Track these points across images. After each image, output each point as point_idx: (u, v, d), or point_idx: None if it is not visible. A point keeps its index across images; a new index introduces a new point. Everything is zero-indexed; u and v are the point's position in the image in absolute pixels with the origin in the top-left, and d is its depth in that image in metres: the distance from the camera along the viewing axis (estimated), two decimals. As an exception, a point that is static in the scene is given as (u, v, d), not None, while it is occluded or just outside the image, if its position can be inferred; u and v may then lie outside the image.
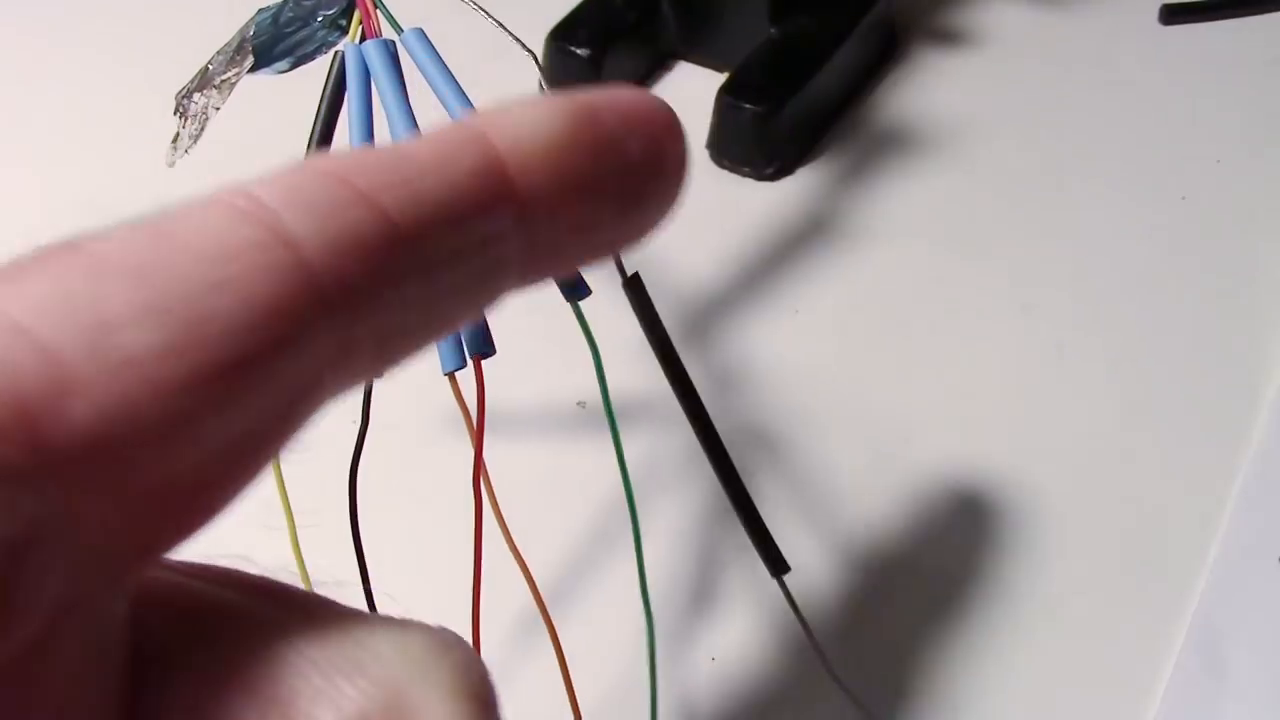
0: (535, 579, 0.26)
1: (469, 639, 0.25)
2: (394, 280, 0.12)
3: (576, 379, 0.37)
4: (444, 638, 0.12)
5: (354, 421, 0.26)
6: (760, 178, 0.45)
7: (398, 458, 0.35)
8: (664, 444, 0.37)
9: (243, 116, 0.30)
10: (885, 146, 0.47)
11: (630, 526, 0.32)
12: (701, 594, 0.34)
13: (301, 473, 0.27)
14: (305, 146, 0.25)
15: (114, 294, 0.11)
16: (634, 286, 0.24)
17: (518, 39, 0.24)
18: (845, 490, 0.36)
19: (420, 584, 0.32)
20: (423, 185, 0.13)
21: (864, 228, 0.44)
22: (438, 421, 0.37)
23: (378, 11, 0.24)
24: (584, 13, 0.48)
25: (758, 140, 0.45)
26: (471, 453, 0.24)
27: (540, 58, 0.48)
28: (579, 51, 0.47)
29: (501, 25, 0.24)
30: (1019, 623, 0.33)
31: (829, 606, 0.34)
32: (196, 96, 0.27)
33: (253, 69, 0.27)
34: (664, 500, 0.36)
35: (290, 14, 0.26)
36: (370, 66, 0.23)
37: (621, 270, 0.23)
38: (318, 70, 0.26)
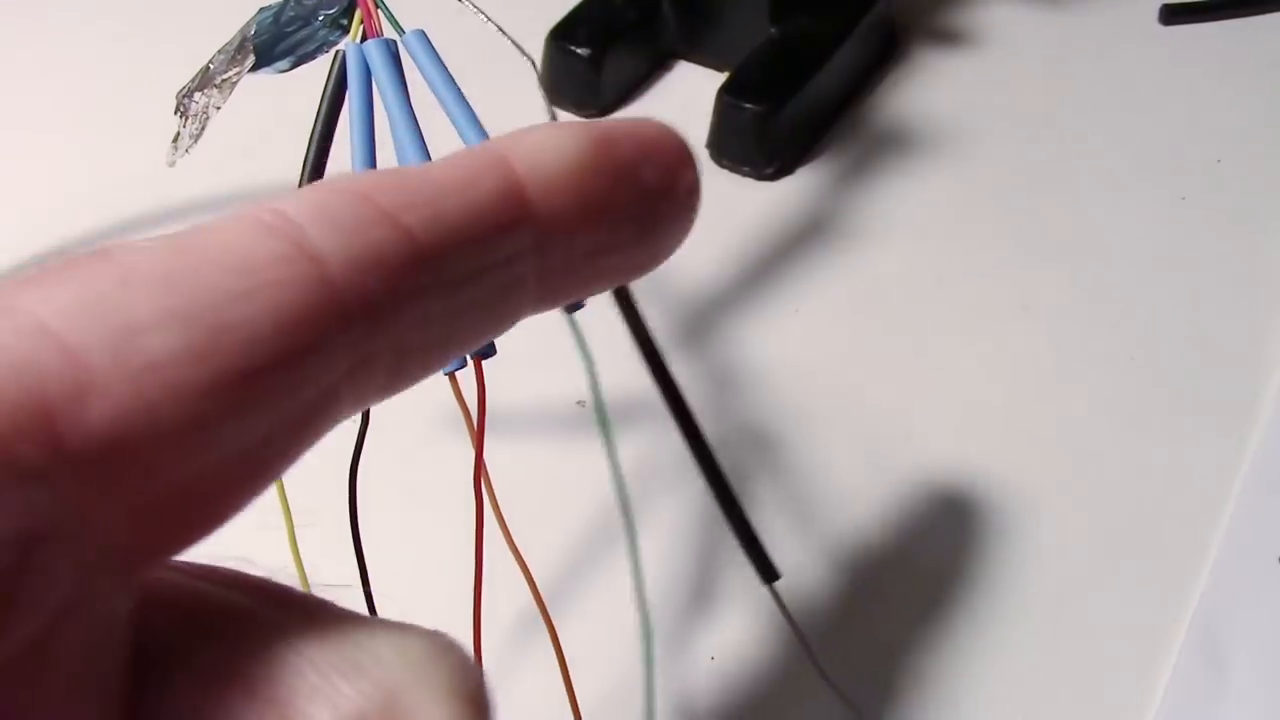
0: (535, 579, 0.26)
1: (470, 639, 0.25)
2: (414, 297, 0.13)
3: (576, 378, 0.37)
4: (441, 641, 0.12)
5: (354, 421, 0.26)
6: (760, 177, 0.45)
7: (398, 457, 0.35)
8: (665, 443, 0.37)
9: (244, 116, 0.30)
10: (885, 146, 0.47)
11: (635, 525, 0.32)
12: (701, 593, 0.34)
13: (301, 472, 0.27)
14: (306, 146, 0.25)
15: (139, 300, 0.11)
16: (622, 296, 0.24)
17: (516, 44, 0.24)
18: (843, 489, 0.36)
19: (420, 584, 0.32)
20: (445, 205, 0.13)
21: (864, 227, 0.44)
22: (438, 421, 0.37)
23: (379, 11, 0.24)
24: (584, 12, 0.48)
25: (758, 140, 0.45)
26: (471, 453, 0.24)
27: (540, 58, 0.48)
28: (579, 51, 0.47)
29: (501, 30, 0.24)
30: (1018, 622, 0.33)
31: (827, 606, 0.34)
32: (197, 96, 0.27)
33: (254, 68, 0.27)
34: (665, 499, 0.36)
35: (291, 13, 0.26)
36: (371, 66, 0.23)
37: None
38: (319, 70, 0.26)
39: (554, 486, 0.36)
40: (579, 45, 0.47)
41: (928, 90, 0.49)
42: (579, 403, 0.38)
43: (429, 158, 0.22)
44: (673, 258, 0.43)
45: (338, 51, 0.24)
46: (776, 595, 0.26)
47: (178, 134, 0.27)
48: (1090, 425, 0.38)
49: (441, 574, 0.27)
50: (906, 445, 0.37)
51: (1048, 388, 0.39)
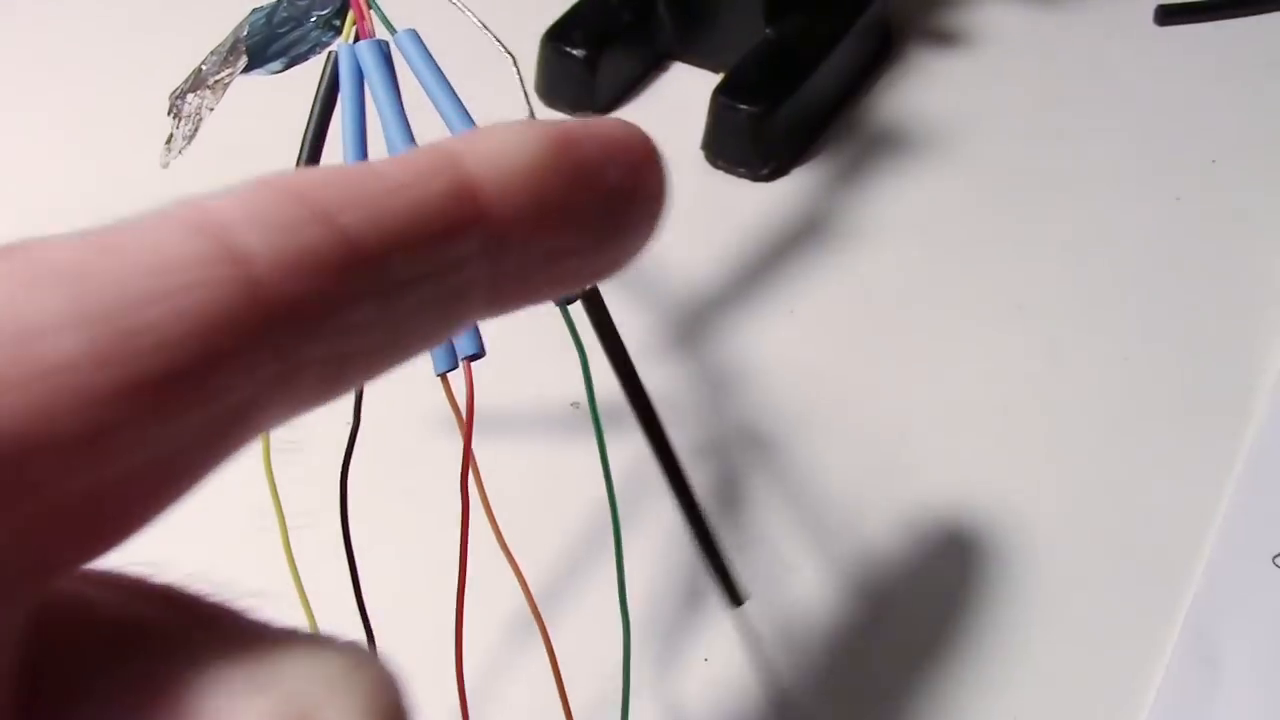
0: (527, 579, 0.26)
1: (453, 639, 0.25)
2: (348, 302, 0.12)
3: (570, 380, 0.37)
4: (358, 656, 0.12)
5: (346, 422, 0.26)
6: (755, 178, 0.45)
7: (390, 458, 0.35)
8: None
9: (236, 117, 0.30)
10: (880, 147, 0.47)
11: (629, 525, 0.32)
12: (696, 594, 0.34)
13: (294, 473, 0.27)
14: (299, 147, 0.25)
15: (44, 300, 0.10)
16: (592, 301, 0.24)
17: (499, 41, 0.24)
18: (839, 489, 0.36)
19: (412, 584, 0.32)
20: (386, 205, 0.12)
21: (859, 228, 0.44)
22: (430, 422, 0.37)
23: (371, 12, 0.24)
24: (579, 13, 0.48)
25: (753, 141, 0.45)
26: (465, 454, 0.24)
27: (535, 59, 0.48)
28: (574, 52, 0.47)
29: (485, 27, 0.24)
30: (1012, 621, 0.33)
31: (824, 605, 0.34)
32: (190, 97, 0.27)
33: (246, 69, 0.27)
34: (660, 500, 0.36)
35: (284, 14, 0.26)
36: (363, 67, 0.23)
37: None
38: (312, 71, 0.26)
39: (548, 488, 0.36)
40: (574, 47, 0.47)
41: (923, 91, 0.49)
42: (573, 405, 0.38)
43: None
44: (667, 258, 0.44)
45: (330, 52, 0.24)
46: (741, 621, 0.26)
47: (171, 135, 0.27)
48: (1084, 425, 0.38)
49: (433, 574, 0.27)
50: (901, 444, 0.37)
51: (1042, 387, 0.39)
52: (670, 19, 0.49)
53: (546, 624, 0.26)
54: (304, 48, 0.27)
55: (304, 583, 0.26)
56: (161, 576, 0.12)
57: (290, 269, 0.11)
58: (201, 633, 0.11)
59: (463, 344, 0.23)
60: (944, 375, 0.39)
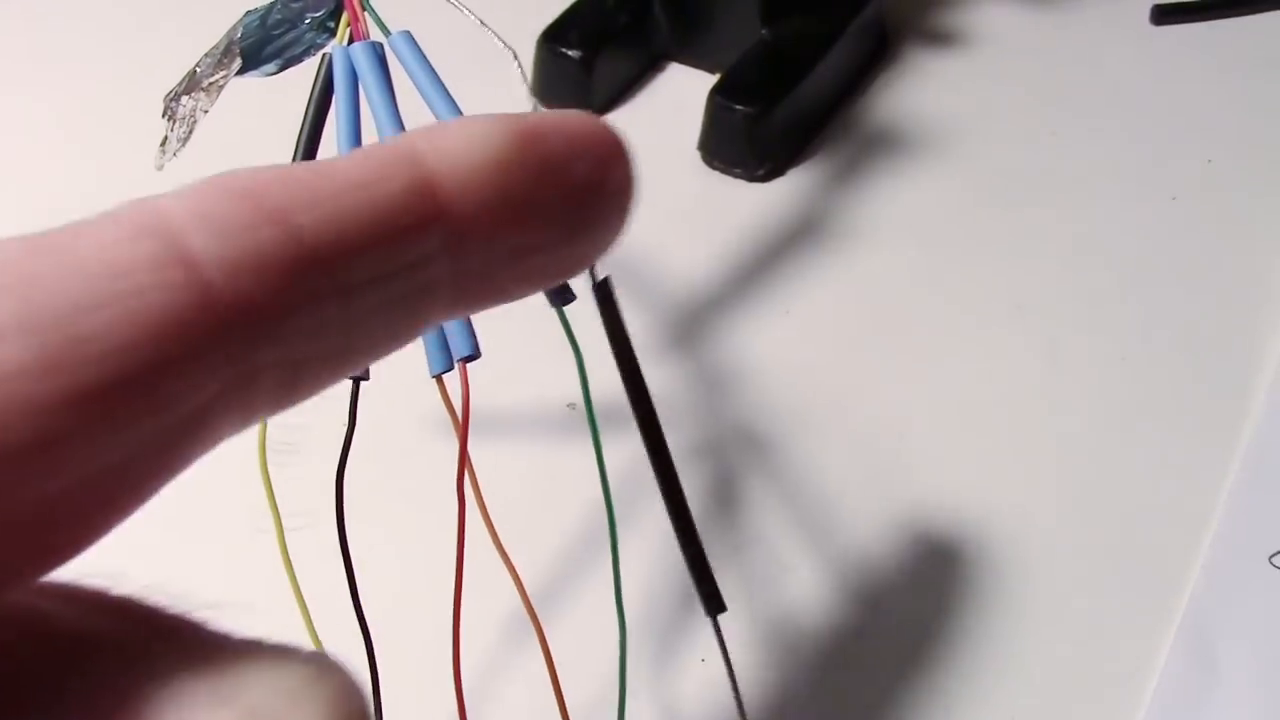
0: (523, 580, 0.26)
1: (450, 640, 0.25)
2: (305, 305, 0.12)
3: (567, 381, 0.37)
4: (320, 666, 0.11)
5: (342, 423, 0.26)
6: (751, 179, 0.45)
7: (386, 460, 0.35)
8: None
9: (231, 119, 0.30)
10: (876, 147, 0.47)
11: (625, 526, 0.32)
12: (692, 595, 0.34)
13: (290, 474, 0.27)
14: (293, 149, 0.25)
15: None
16: (603, 292, 0.23)
17: (498, 35, 0.24)
18: (836, 489, 0.36)
19: (409, 585, 0.32)
20: (342, 204, 0.12)
21: (855, 228, 0.44)
22: (427, 424, 0.37)
23: (365, 14, 0.24)
24: (576, 14, 0.48)
25: (749, 141, 0.45)
26: (460, 455, 0.24)
27: (526, 57, 0.48)
28: (571, 53, 0.47)
29: (483, 23, 0.24)
30: (1009, 619, 0.33)
31: (821, 606, 0.34)
32: (184, 99, 0.27)
33: (240, 71, 0.27)
34: (657, 501, 0.36)
35: (278, 16, 0.26)
36: (358, 69, 0.23)
37: (593, 274, 0.23)
38: (306, 73, 0.26)
39: (544, 488, 0.36)
40: (570, 47, 0.47)
41: (919, 91, 0.49)
42: (569, 406, 0.38)
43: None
44: (663, 258, 0.44)
45: (324, 54, 0.24)
46: (718, 629, 0.26)
47: (165, 137, 0.27)
48: (1081, 424, 0.38)
49: (430, 575, 0.27)
50: (899, 444, 0.37)
51: (1039, 387, 0.39)
52: (666, 20, 0.49)
53: (543, 624, 0.26)
54: (298, 50, 0.27)
55: (301, 584, 0.26)
56: (120, 588, 0.12)
57: (242, 271, 0.11)
58: (161, 645, 0.11)
59: (458, 345, 0.23)
60: (941, 375, 0.39)
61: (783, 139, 0.46)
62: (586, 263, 0.15)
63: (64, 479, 0.10)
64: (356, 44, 0.24)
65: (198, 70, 0.27)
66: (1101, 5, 0.52)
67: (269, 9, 0.26)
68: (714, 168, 0.46)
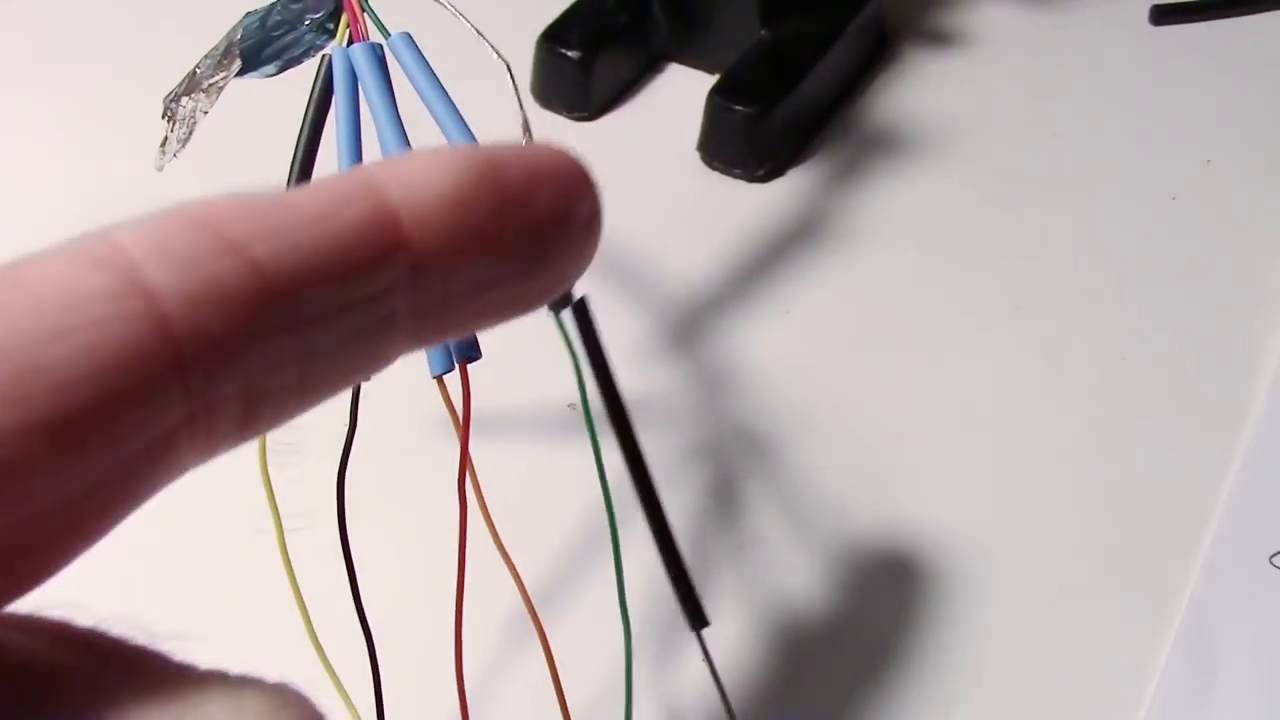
0: (526, 581, 0.26)
1: (452, 640, 0.25)
2: (263, 337, 0.11)
3: (568, 381, 0.37)
4: (281, 696, 0.11)
5: (343, 424, 0.26)
6: (751, 179, 0.45)
7: (387, 460, 0.35)
8: (659, 443, 0.37)
9: (231, 120, 0.30)
10: (876, 148, 0.47)
11: (625, 527, 0.32)
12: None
13: (290, 475, 0.27)
14: (293, 150, 0.25)
15: None
16: (580, 312, 0.23)
17: (494, 47, 0.24)
18: (838, 489, 0.36)
19: (410, 586, 0.32)
20: (301, 236, 0.12)
21: (855, 229, 0.44)
22: (428, 424, 0.37)
23: (365, 15, 0.24)
24: (575, 15, 0.48)
25: (749, 142, 0.45)
26: (460, 455, 0.24)
27: (525, 58, 0.48)
28: (570, 54, 0.47)
29: (480, 34, 0.24)
30: (1009, 620, 0.33)
31: (820, 606, 0.34)
32: (184, 100, 0.27)
33: (240, 73, 0.27)
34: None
35: (278, 17, 0.26)
36: (357, 71, 0.23)
37: (569, 293, 0.23)
38: (306, 74, 0.26)
39: (545, 488, 0.36)
40: (569, 48, 0.47)
41: (918, 91, 0.49)
42: (570, 406, 0.38)
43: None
44: (663, 259, 0.44)
45: (324, 56, 0.24)
46: (703, 643, 0.25)
47: (165, 138, 0.27)
48: (1082, 425, 0.38)
49: (433, 576, 0.27)
50: (899, 444, 0.37)
51: (1040, 387, 0.39)
52: (666, 20, 0.49)
53: (545, 625, 0.26)
54: (298, 51, 0.27)
55: (301, 585, 0.26)
56: (82, 620, 0.12)
57: (201, 303, 0.11)
58: (122, 675, 0.11)
59: (460, 346, 0.23)
60: (941, 375, 0.39)
61: (782, 139, 0.46)
62: (550, 295, 0.15)
63: (25, 509, 0.10)
64: (355, 45, 0.24)
65: (198, 71, 0.27)
66: (1101, 5, 0.52)
67: (269, 10, 0.26)
68: (713, 168, 0.46)
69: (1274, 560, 0.34)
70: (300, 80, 0.26)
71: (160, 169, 0.27)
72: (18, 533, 0.10)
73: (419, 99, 0.24)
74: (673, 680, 0.32)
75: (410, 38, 0.24)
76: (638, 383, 0.39)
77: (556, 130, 0.47)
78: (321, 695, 0.29)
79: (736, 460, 0.37)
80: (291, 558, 0.26)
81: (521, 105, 0.24)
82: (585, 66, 0.47)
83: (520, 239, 0.14)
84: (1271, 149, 0.46)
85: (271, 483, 0.25)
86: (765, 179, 0.45)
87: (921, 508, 0.36)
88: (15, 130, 0.49)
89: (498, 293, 0.14)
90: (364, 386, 0.25)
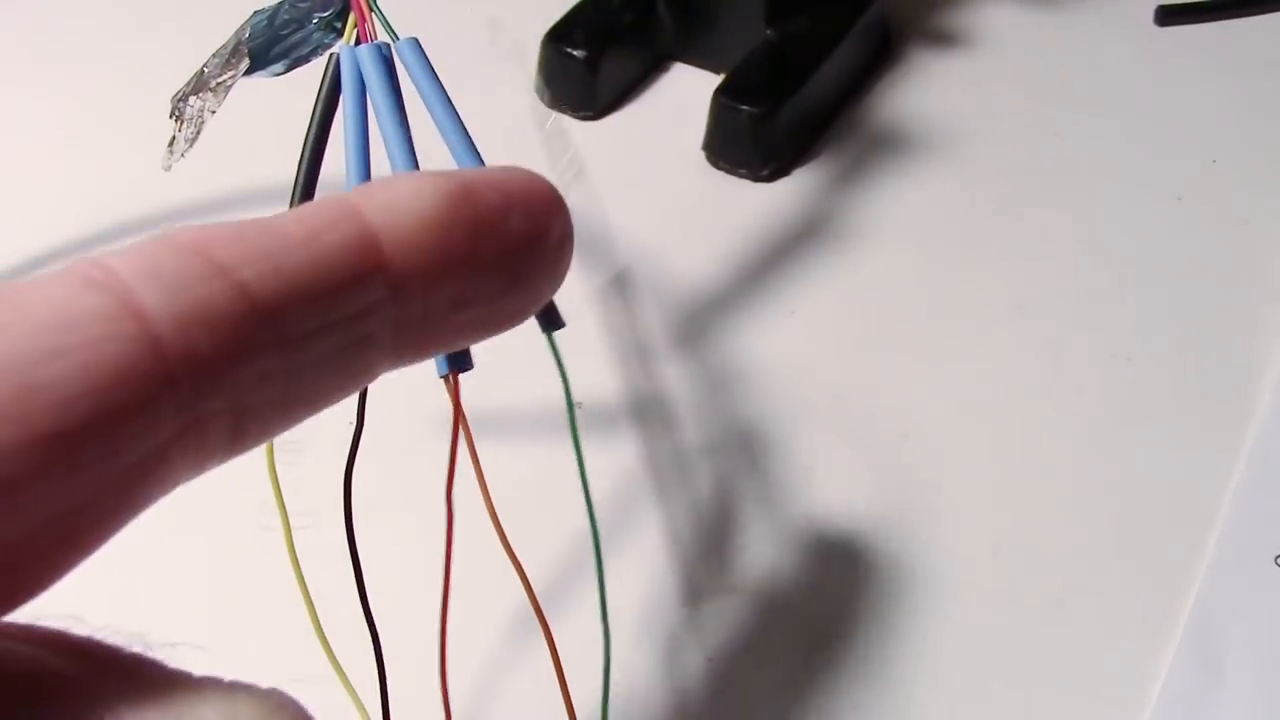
0: (531, 580, 0.26)
1: (454, 640, 0.25)
2: (250, 355, 0.12)
3: (572, 380, 0.37)
4: (273, 701, 0.12)
5: (350, 423, 0.26)
6: (756, 179, 0.45)
7: (394, 459, 0.36)
8: (663, 442, 0.37)
9: (238, 119, 0.30)
10: (881, 148, 0.47)
11: (631, 527, 0.32)
12: (699, 594, 0.34)
13: (298, 474, 0.27)
14: (301, 149, 0.25)
15: None
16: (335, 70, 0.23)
17: (505, 33, 0.24)
18: (838, 490, 0.36)
19: (415, 584, 0.32)
20: (286, 259, 0.12)
21: (860, 229, 0.44)
22: (435, 424, 0.37)
23: (373, 15, 0.24)
24: (580, 14, 0.48)
25: (754, 142, 0.45)
26: (469, 454, 0.24)
27: (530, 58, 0.48)
28: (575, 53, 0.47)
29: (492, 27, 0.24)
30: (1014, 621, 0.33)
31: (819, 607, 0.34)
32: (192, 100, 0.27)
33: (248, 72, 0.27)
34: (662, 499, 0.36)
35: (286, 16, 0.26)
36: (363, 71, 0.23)
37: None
38: (314, 73, 0.26)
39: (551, 487, 0.36)
40: (575, 48, 0.47)
41: (923, 91, 0.49)
42: (576, 404, 0.38)
43: (417, 165, 0.22)
44: (668, 259, 0.44)
45: (332, 54, 0.25)
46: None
47: (173, 138, 0.27)
48: (1085, 425, 0.38)
49: (438, 575, 0.27)
50: (903, 444, 0.37)
51: (1045, 388, 0.39)
52: (671, 20, 0.49)
53: (550, 624, 0.26)
54: (305, 50, 0.27)
55: (308, 583, 0.26)
56: (79, 629, 0.12)
57: (191, 324, 0.12)
58: (118, 682, 0.11)
59: (452, 355, 0.23)
60: (945, 375, 0.39)
61: (787, 139, 0.46)
62: (527, 313, 0.16)
63: (22, 523, 0.11)
64: (362, 46, 0.24)
65: (205, 70, 0.27)
66: (1105, 6, 0.52)
67: (277, 9, 0.26)
68: (719, 168, 0.46)
69: (1279, 560, 0.34)
70: (308, 79, 0.26)
71: (168, 169, 0.27)
72: (17, 545, 0.11)
73: (423, 105, 0.24)
74: (674, 681, 0.32)
75: (418, 43, 0.24)
76: (642, 381, 0.39)
77: (561, 129, 0.47)
78: (329, 693, 0.29)
79: (740, 459, 0.37)
80: (301, 557, 0.26)
81: (536, 91, 0.24)
82: (591, 66, 0.47)
83: (496, 260, 0.14)
84: (1276, 149, 0.46)
85: (279, 481, 0.25)
86: (770, 179, 0.45)
87: (925, 507, 0.36)
88: (24, 130, 0.49)
89: (475, 311, 0.15)
90: (371, 386, 0.25)
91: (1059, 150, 0.46)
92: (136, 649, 0.12)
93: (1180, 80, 0.49)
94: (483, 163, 0.23)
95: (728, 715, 0.32)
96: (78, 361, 0.11)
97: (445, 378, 0.23)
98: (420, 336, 0.14)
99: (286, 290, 0.12)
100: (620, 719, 0.31)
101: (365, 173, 0.23)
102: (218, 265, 0.12)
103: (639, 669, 0.32)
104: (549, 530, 0.35)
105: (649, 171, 0.45)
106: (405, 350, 0.14)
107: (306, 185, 0.24)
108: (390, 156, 0.22)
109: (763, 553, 0.35)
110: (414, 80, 0.23)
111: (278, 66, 0.27)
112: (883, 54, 0.50)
